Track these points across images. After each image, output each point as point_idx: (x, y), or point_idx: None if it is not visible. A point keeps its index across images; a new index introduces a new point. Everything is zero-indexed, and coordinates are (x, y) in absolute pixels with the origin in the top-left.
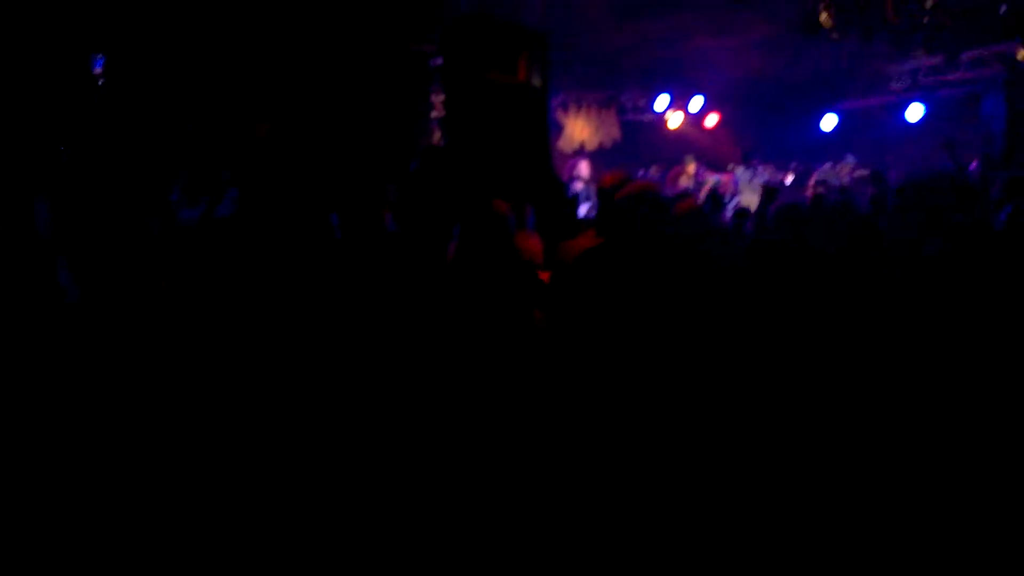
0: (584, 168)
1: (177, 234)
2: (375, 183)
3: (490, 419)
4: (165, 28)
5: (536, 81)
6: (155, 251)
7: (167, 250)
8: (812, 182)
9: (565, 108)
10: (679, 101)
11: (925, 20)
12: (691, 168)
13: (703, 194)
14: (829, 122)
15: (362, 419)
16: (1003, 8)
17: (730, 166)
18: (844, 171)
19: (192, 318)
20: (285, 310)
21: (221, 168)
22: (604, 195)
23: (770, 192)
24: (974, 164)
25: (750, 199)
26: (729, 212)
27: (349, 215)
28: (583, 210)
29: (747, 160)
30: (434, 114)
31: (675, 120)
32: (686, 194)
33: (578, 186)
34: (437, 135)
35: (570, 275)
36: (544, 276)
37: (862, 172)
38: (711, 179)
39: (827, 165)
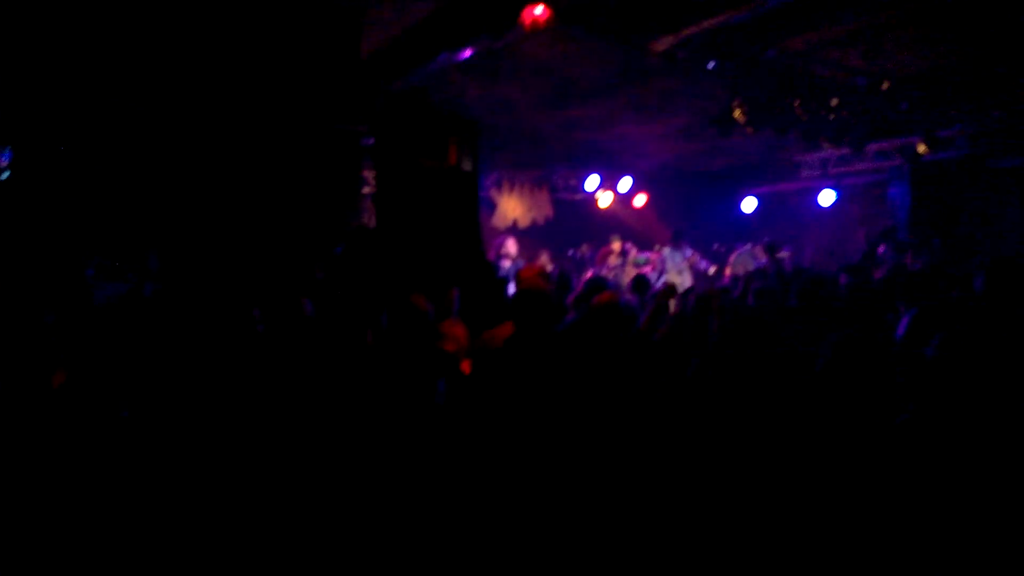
0: (512, 246)
1: (90, 315)
2: (300, 264)
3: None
4: (84, 106)
5: (466, 166)
6: (48, 344)
7: (70, 337)
8: (729, 267)
9: (499, 186)
10: (609, 181)
11: (832, 117)
12: (616, 246)
13: (628, 276)
14: (749, 204)
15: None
16: (904, 105)
17: (656, 246)
18: (760, 252)
19: (95, 412)
20: (198, 403)
21: (144, 245)
22: (520, 286)
23: (641, 283)
24: (882, 248)
25: (677, 279)
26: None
27: (269, 303)
28: (512, 288)
29: (676, 240)
30: (366, 190)
31: (605, 199)
32: (603, 286)
33: (506, 263)
34: (368, 214)
35: (488, 366)
36: (465, 365)
37: (783, 254)
38: (639, 257)
39: (747, 246)
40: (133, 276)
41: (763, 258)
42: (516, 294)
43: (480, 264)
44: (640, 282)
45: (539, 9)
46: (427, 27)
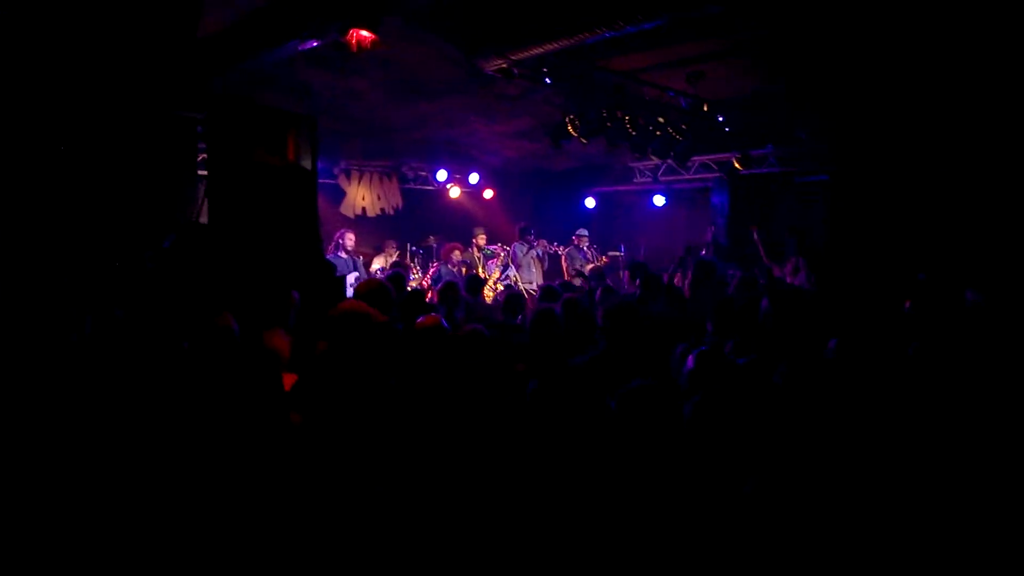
0: (349, 239)
1: None
2: (126, 256)
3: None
4: None
5: (306, 163)
6: None
7: None
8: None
9: (347, 175)
10: (458, 175)
11: (658, 133)
12: (481, 240)
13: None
14: (590, 203)
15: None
16: (726, 129)
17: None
18: (583, 243)
19: None
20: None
21: None
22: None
23: (474, 283)
24: (704, 252)
25: (528, 275)
26: (504, 282)
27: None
28: (351, 279)
29: (523, 235)
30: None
31: (454, 192)
32: (421, 299)
33: (342, 255)
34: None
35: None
36: (287, 378)
37: (617, 252)
38: (487, 248)
39: (573, 240)
40: None
41: (587, 251)
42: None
43: (318, 263)
44: (473, 282)
45: (365, 32)
46: (263, 16)
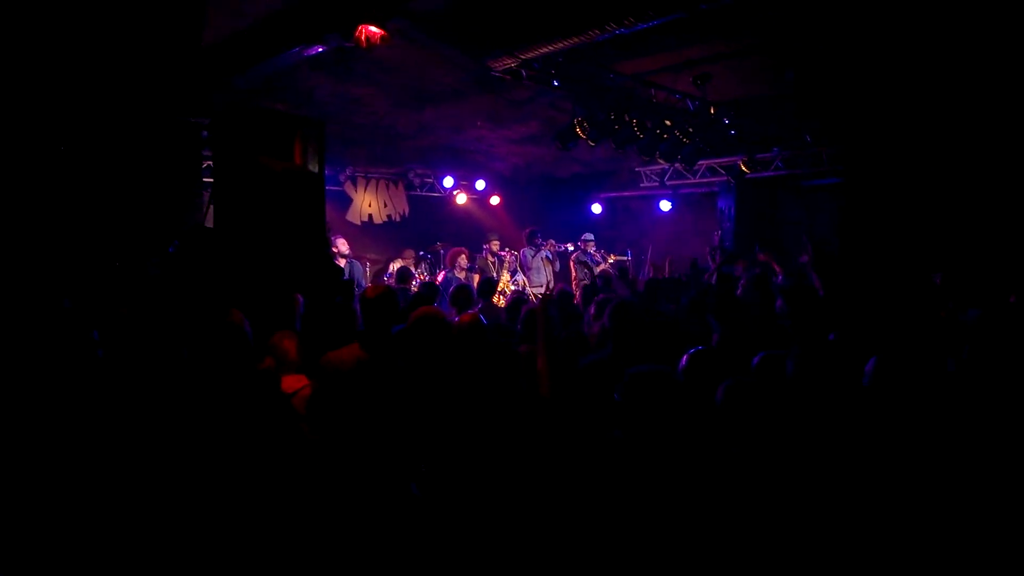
0: (343, 245)
1: None
2: (132, 260)
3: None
4: None
5: (313, 166)
6: None
7: None
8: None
9: (354, 182)
10: (465, 181)
11: (665, 136)
12: (495, 245)
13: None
14: (596, 209)
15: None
16: (729, 128)
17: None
18: (590, 247)
19: None
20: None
21: None
22: (367, 306)
23: (487, 286)
24: (712, 255)
25: (538, 278)
26: (513, 285)
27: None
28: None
29: (530, 240)
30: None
31: (461, 198)
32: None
33: (340, 262)
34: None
35: (333, 389)
36: (293, 380)
37: (624, 258)
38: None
39: (579, 243)
40: None
41: (594, 254)
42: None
43: (326, 268)
44: (486, 285)
45: (373, 27)
46: (271, 23)
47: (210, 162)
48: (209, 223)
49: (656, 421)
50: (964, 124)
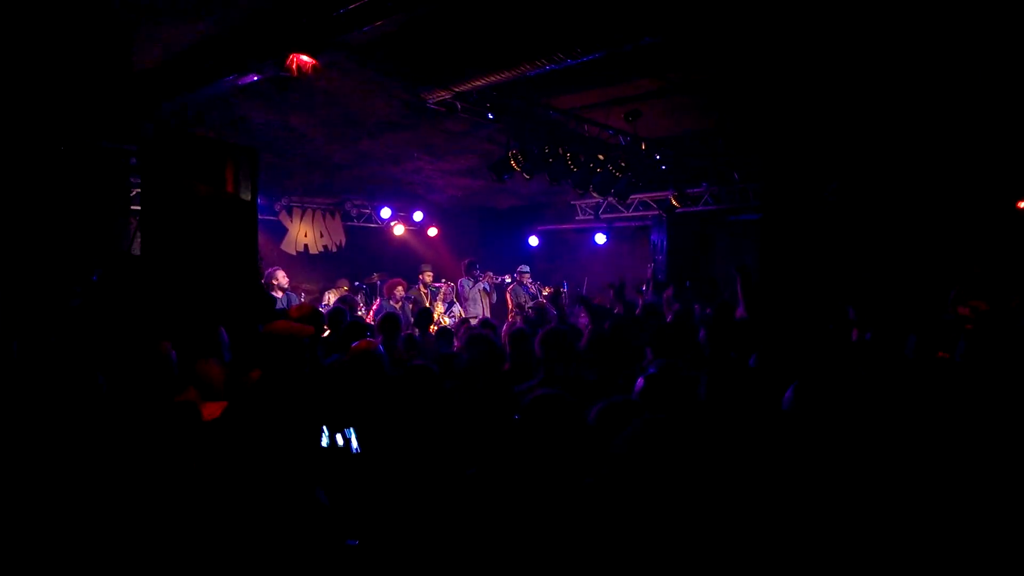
0: (282, 277)
1: None
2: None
3: None
4: None
5: (244, 194)
6: None
7: None
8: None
9: (289, 211)
10: (402, 212)
11: (599, 170)
12: (428, 277)
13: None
14: (533, 241)
15: None
16: (663, 167)
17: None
18: (525, 278)
19: None
20: None
21: None
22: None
23: (424, 316)
24: (644, 287)
25: (474, 309)
26: (449, 316)
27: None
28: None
29: (469, 271)
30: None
31: (399, 229)
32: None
33: (278, 294)
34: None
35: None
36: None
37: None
38: (432, 286)
39: (515, 275)
40: None
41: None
42: (265, 337)
43: (257, 297)
44: (423, 316)
45: (305, 56)
46: (203, 49)
47: (139, 189)
48: (137, 251)
49: (544, 441)
50: (871, 164)
